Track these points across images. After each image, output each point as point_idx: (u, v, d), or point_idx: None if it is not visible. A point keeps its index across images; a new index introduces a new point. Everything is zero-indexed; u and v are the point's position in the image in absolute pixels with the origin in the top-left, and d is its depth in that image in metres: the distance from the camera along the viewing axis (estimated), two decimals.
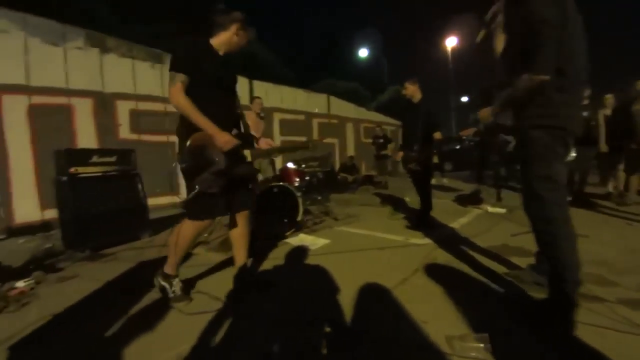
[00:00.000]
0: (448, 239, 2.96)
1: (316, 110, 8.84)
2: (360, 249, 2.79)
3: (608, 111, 4.49)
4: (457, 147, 11.65)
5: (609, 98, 4.58)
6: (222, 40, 1.83)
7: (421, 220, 3.46)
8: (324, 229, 3.65)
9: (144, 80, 5.55)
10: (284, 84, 8.40)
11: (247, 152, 1.90)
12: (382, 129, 8.20)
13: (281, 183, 3.58)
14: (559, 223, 1.49)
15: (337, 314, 1.67)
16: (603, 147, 4.44)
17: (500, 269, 2.15)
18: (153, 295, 1.97)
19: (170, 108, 5.51)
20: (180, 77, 1.65)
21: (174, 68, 1.66)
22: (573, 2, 1.47)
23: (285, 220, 3.45)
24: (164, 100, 5.48)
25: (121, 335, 1.57)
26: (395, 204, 5.01)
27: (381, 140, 7.74)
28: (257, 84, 7.32)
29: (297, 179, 3.98)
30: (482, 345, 1.30)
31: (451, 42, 18.83)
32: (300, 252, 2.83)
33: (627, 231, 3.00)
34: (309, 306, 1.80)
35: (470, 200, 4.58)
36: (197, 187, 1.70)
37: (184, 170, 1.73)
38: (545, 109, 1.47)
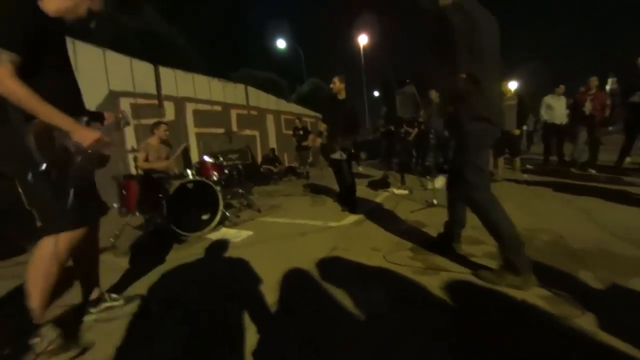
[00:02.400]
0: (362, 220, 3.32)
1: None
2: (282, 236, 2.92)
3: None
4: (370, 137, 12.78)
5: None
6: (57, 2, 1.37)
7: (353, 202, 3.74)
8: (246, 221, 3.66)
9: None
10: (197, 72, 7.83)
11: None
12: (302, 121, 8.44)
13: (197, 178, 3.44)
14: (483, 200, 1.78)
15: (261, 295, 1.77)
16: None
17: (401, 239, 2.56)
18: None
19: None
20: (9, 56, 1.19)
21: None
22: (484, 9, 1.74)
23: (205, 217, 3.35)
24: None
25: None
26: (316, 192, 5.30)
27: (301, 132, 7.98)
28: (164, 70, 6.65)
29: (215, 173, 3.86)
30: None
31: (363, 40, 20.23)
32: (221, 245, 2.81)
33: None
34: (234, 292, 1.85)
35: (380, 184, 5.16)
36: (70, 185, 1.34)
37: (44, 173, 1.26)
38: (471, 104, 1.72)
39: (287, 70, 21.65)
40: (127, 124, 1.72)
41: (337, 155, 3.70)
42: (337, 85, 3.75)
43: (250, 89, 9.42)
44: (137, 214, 3.17)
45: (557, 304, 1.46)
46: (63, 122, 1.30)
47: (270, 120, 10.20)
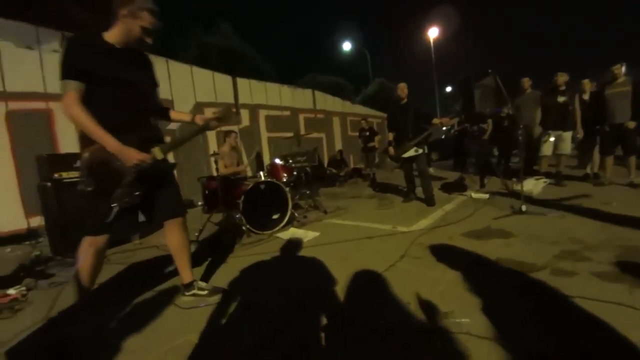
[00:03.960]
0: (433, 225, 3.07)
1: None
2: (349, 239, 2.88)
3: (586, 96, 4.65)
4: (442, 137, 11.88)
5: (587, 83, 4.73)
6: (116, 31, 1.56)
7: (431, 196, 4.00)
8: (313, 222, 3.72)
9: None
10: (267, 81, 8.37)
11: (156, 150, 1.65)
12: (367, 122, 8.27)
13: (269, 179, 3.63)
14: None
15: (331, 299, 1.75)
16: (579, 131, 4.63)
17: (482, 249, 2.27)
18: (147, 295, 2.01)
19: None
20: (72, 85, 1.44)
21: (63, 75, 1.45)
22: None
23: (275, 216, 3.51)
24: None
25: (119, 331, 1.60)
26: (383, 194, 5.13)
27: (367, 133, 7.81)
28: (240, 81, 7.27)
29: (285, 175, 4.03)
30: (464, 320, 1.40)
31: (433, 33, 19.04)
32: (293, 245, 2.90)
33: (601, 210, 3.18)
34: (304, 294, 1.87)
35: (455, 187, 4.72)
36: (114, 206, 1.53)
37: (87, 193, 1.48)
38: None
39: (353, 72, 21.65)
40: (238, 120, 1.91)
41: (412, 152, 3.90)
42: (405, 90, 4.03)
43: (317, 93, 9.66)
44: (217, 212, 3.49)
45: None
46: (111, 144, 1.46)
47: (336, 122, 10.29)
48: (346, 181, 7.77)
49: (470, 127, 5.04)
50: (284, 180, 3.93)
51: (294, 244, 2.90)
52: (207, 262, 2.57)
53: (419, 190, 4.27)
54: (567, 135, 4.56)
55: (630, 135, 4.08)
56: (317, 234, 3.15)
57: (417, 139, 3.92)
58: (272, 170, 4.12)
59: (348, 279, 1.98)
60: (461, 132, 5.31)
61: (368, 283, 1.94)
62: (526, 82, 5.25)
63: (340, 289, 1.86)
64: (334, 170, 8.05)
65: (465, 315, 1.43)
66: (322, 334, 1.43)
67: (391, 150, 4.18)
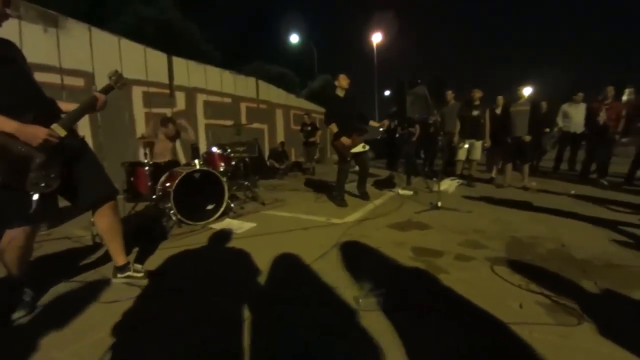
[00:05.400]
0: (363, 218, 3.32)
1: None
2: (285, 230, 2.94)
3: (498, 110, 5.44)
4: (378, 137, 12.68)
5: (500, 99, 5.55)
6: None
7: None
8: (250, 213, 3.69)
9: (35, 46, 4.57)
10: (209, 64, 7.88)
11: (55, 127, 1.46)
12: (310, 117, 8.43)
13: (204, 168, 3.48)
14: None
15: (256, 285, 1.80)
16: (487, 141, 5.42)
17: (403, 238, 2.56)
18: (59, 289, 1.81)
19: (69, 81, 4.72)
20: None
21: None
22: None
23: (210, 207, 3.39)
24: (60, 70, 4.65)
25: (31, 328, 1.44)
26: (321, 188, 5.31)
27: (309, 128, 7.97)
28: (177, 60, 6.70)
29: (223, 164, 3.89)
30: (380, 298, 1.58)
31: (377, 38, 20.05)
32: (224, 235, 2.85)
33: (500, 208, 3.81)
34: (229, 283, 1.87)
35: (385, 184, 5.14)
36: (32, 194, 1.39)
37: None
38: None
39: (301, 65, 21.62)
40: (124, 83, 1.73)
41: (360, 147, 3.94)
42: (348, 80, 3.86)
43: (261, 83, 9.44)
44: (143, 201, 3.22)
45: (555, 311, 1.45)
46: (6, 125, 1.31)
47: (279, 114, 10.22)
48: (286, 174, 7.81)
49: (402, 130, 5.51)
50: (221, 169, 3.80)
51: (227, 235, 2.85)
52: (132, 255, 2.38)
53: (352, 186, 4.47)
54: (478, 143, 5.31)
55: (526, 147, 4.93)
56: (253, 224, 3.15)
57: (363, 136, 4.04)
58: (209, 158, 3.94)
59: (281, 266, 2.05)
60: (391, 134, 5.77)
61: (298, 269, 2.04)
62: (449, 94, 5.98)
63: (271, 275, 1.92)
64: (275, 163, 8.02)
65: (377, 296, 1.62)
66: (246, 314, 1.47)
67: (347, 140, 3.84)
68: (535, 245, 2.36)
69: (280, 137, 10.04)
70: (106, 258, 2.20)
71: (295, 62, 21.90)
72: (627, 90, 5.48)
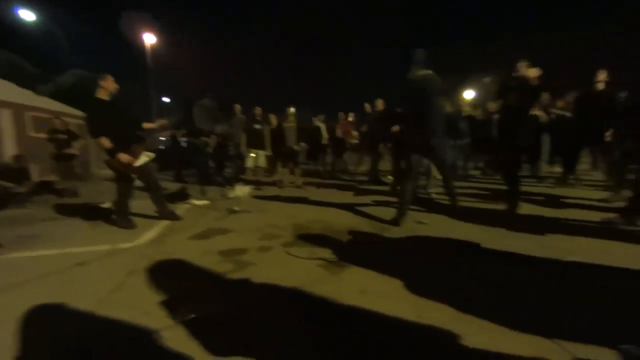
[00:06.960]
0: (160, 235, 3.06)
1: None
2: (47, 274, 2.20)
3: (274, 126, 6.46)
4: (161, 147, 11.48)
5: (273, 117, 6.58)
6: None
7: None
8: None
9: None
10: None
11: None
12: (63, 122, 6.46)
13: None
14: None
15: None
16: (268, 151, 6.37)
17: (208, 247, 2.62)
18: None
19: None
20: None
21: None
22: None
23: None
24: None
25: None
26: (94, 213, 4.25)
27: (64, 136, 6.10)
28: None
29: None
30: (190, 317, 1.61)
31: (149, 39, 17.95)
32: None
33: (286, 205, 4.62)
34: None
35: (178, 197, 4.87)
36: None
37: None
38: None
39: (39, 53, 15.64)
40: None
41: (145, 157, 3.36)
42: (115, 84, 3.28)
43: None
44: None
45: (327, 267, 2.07)
46: None
47: (6, 116, 7.06)
48: (30, 199, 5.55)
49: (195, 139, 5.44)
50: None
51: None
52: None
53: (139, 204, 3.88)
54: (262, 153, 6.17)
55: (295, 154, 6.23)
56: None
57: (143, 144, 3.47)
58: None
59: (48, 324, 1.57)
60: (177, 144, 5.54)
61: (81, 319, 1.65)
62: (238, 107, 6.56)
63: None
64: (8, 185, 5.46)
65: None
66: None
67: (125, 157, 3.18)
68: (312, 226, 3.15)
69: (11, 147, 6.96)
70: None
71: (35, 49, 15.70)
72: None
